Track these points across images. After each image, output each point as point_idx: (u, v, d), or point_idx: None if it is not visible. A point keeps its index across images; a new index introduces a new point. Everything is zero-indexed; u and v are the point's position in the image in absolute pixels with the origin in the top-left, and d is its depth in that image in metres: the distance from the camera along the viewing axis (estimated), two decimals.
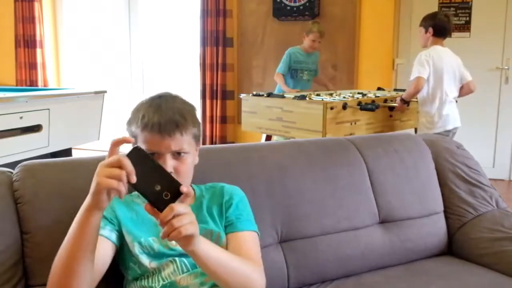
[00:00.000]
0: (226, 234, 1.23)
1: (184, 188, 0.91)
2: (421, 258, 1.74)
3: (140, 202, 1.23)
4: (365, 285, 1.54)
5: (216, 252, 1.05)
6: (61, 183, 1.28)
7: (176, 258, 1.17)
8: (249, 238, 1.23)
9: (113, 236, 1.16)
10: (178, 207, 0.90)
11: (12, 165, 1.38)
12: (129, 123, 1.20)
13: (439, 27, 3.34)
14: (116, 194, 0.90)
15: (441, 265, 1.68)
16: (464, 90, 3.42)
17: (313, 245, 1.55)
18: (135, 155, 0.90)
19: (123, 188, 0.88)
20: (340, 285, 1.54)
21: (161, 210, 0.90)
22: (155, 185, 0.90)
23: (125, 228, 1.17)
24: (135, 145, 0.91)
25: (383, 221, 1.70)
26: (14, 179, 1.28)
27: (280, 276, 1.48)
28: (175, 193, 0.90)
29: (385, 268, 1.65)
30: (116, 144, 0.91)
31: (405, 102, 3.38)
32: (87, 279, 1.00)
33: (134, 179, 0.88)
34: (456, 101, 3.44)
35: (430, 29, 3.36)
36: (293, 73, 4.21)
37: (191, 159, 1.20)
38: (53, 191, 1.26)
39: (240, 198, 1.30)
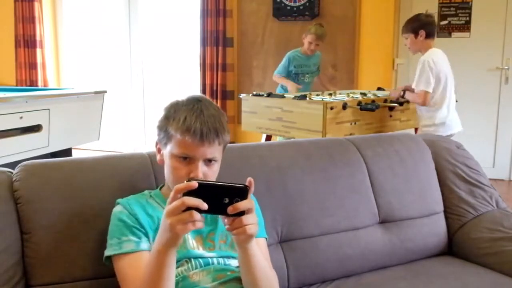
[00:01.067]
0: None
1: (249, 179, 0.97)
2: (421, 258, 1.74)
3: (156, 206, 1.22)
4: (365, 285, 1.54)
5: (259, 253, 1.12)
6: (61, 183, 1.28)
7: (192, 258, 1.18)
8: (263, 244, 1.27)
9: (150, 243, 1.16)
10: (253, 204, 0.96)
11: (12, 165, 1.38)
12: (165, 122, 1.18)
13: (430, 27, 3.16)
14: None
15: (441, 265, 1.69)
16: None
17: (313, 245, 1.55)
18: (193, 191, 0.92)
19: (200, 223, 0.93)
20: (340, 285, 1.54)
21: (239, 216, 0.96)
22: (222, 200, 0.94)
23: (153, 233, 1.17)
24: (193, 188, 0.93)
25: (383, 221, 1.70)
26: (14, 179, 1.28)
27: (280, 276, 1.47)
28: (244, 195, 0.95)
29: (385, 268, 1.66)
30: (180, 191, 0.94)
31: (403, 100, 3.26)
32: None
33: (205, 206, 0.92)
34: (456, 101, 3.43)
35: (422, 32, 3.14)
36: (294, 77, 4.11)
37: (218, 167, 1.21)
38: (53, 191, 1.26)
39: (255, 204, 1.31)
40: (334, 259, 1.57)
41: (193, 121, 1.13)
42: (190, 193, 0.92)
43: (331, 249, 1.57)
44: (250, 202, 0.95)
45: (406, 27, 3.24)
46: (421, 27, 3.15)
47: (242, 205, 0.94)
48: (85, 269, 1.25)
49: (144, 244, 1.14)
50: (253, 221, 0.98)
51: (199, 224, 0.93)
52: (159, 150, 1.24)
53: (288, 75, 4.11)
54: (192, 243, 1.19)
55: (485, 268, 1.64)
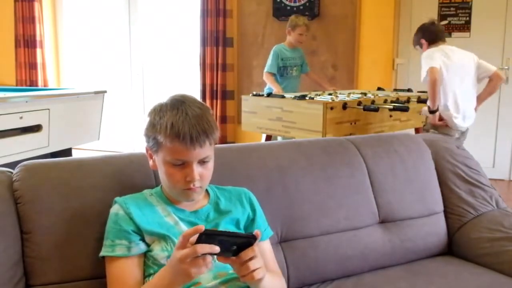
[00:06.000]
0: None
1: (257, 231, 1.03)
2: (421, 258, 1.74)
3: (155, 204, 1.23)
4: (365, 285, 1.54)
5: (269, 281, 1.14)
6: (61, 183, 1.28)
7: None
8: (269, 246, 1.30)
9: (142, 246, 1.18)
10: (256, 251, 1.03)
11: (12, 165, 1.38)
12: (152, 129, 1.16)
13: (429, 34, 3.27)
14: None
15: (441, 265, 1.69)
16: (493, 83, 3.24)
17: (313, 245, 1.55)
18: (204, 238, 0.97)
19: (211, 263, 0.99)
20: (340, 285, 1.54)
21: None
22: (231, 247, 1.01)
23: (148, 231, 1.17)
24: (200, 232, 0.98)
25: (383, 221, 1.71)
26: (14, 179, 1.28)
27: None
28: (250, 244, 1.02)
29: (385, 268, 1.66)
30: (188, 237, 0.98)
31: (434, 111, 3.15)
32: None
33: (217, 250, 0.97)
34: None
35: (423, 41, 3.29)
36: (282, 70, 4.13)
37: (212, 164, 1.21)
38: (53, 191, 1.26)
39: (257, 204, 1.34)
40: (334, 259, 1.57)
41: (180, 126, 1.11)
42: (201, 238, 0.97)
43: (331, 249, 1.57)
44: (253, 250, 1.02)
45: (413, 42, 3.40)
46: (421, 37, 3.30)
47: (248, 254, 1.01)
48: (85, 269, 1.25)
49: (135, 249, 1.16)
50: (260, 265, 1.03)
51: (211, 265, 0.99)
52: (150, 156, 1.24)
53: (277, 69, 4.11)
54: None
55: (485, 268, 1.64)
